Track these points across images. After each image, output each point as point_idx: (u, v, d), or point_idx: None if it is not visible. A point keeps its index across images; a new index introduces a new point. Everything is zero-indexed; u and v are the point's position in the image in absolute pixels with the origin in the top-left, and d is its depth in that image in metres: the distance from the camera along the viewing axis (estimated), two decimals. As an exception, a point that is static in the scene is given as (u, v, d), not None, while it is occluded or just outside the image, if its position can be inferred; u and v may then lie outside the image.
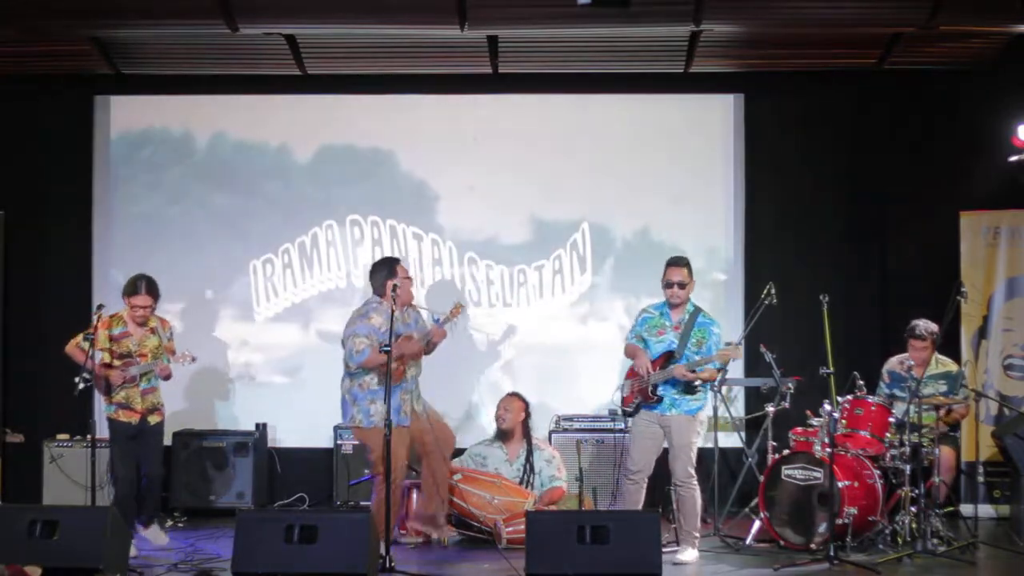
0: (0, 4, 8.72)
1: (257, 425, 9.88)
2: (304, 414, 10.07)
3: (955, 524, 8.57)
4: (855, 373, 8.55)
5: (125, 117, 10.33)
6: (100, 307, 8.24)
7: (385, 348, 7.56)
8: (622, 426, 8.99)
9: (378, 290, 8.07)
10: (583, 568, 6.64)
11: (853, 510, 7.96)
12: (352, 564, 6.63)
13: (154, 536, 8.31)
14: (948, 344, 8.98)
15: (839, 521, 7.86)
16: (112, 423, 8.24)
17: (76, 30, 9.32)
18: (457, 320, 8.16)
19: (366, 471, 9.31)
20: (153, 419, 8.28)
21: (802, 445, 8.38)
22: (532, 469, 8.88)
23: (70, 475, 9.46)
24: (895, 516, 8.20)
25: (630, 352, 8.12)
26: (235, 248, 10.26)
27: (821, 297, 8.60)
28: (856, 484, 8.07)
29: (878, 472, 8.22)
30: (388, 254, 9.90)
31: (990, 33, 9.26)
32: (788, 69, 10.02)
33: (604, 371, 9.61)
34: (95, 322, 8.04)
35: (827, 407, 8.00)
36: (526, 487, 8.78)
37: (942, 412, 8.30)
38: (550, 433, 9.54)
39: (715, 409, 9.05)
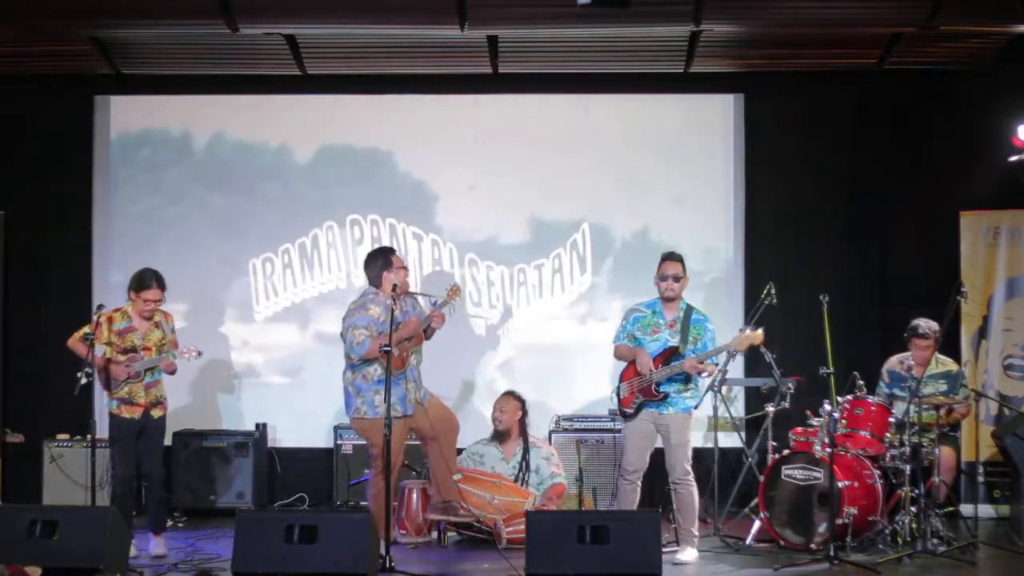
0: (0, 4, 8.73)
1: (257, 425, 9.88)
2: (304, 414, 10.08)
3: (955, 524, 8.56)
4: (855, 373, 8.55)
5: (125, 117, 10.33)
6: (100, 307, 8.23)
7: (385, 348, 7.54)
8: (622, 426, 8.97)
9: (374, 281, 8.03)
10: (583, 568, 6.64)
11: (853, 510, 7.96)
12: (352, 564, 6.63)
13: (158, 544, 8.24)
14: (948, 344, 8.98)
15: (839, 521, 7.86)
16: (113, 419, 8.18)
17: (76, 30, 9.32)
18: (455, 303, 8.11)
19: (366, 471, 9.31)
20: (156, 413, 8.25)
21: (802, 445, 8.38)
22: (528, 468, 8.88)
23: (70, 475, 9.46)
24: (895, 516, 8.20)
25: (625, 353, 8.07)
26: (235, 248, 10.26)
27: (821, 297, 8.60)
28: (856, 484, 8.07)
29: (878, 472, 8.23)
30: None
31: (990, 33, 9.26)
32: (788, 69, 10.02)
33: (603, 371, 9.61)
34: (95, 322, 8.03)
35: (827, 407, 8.00)
36: (522, 486, 8.78)
37: (942, 412, 8.30)
38: (550, 433, 9.54)
39: (715, 409, 9.05)
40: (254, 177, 10.31)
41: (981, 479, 9.05)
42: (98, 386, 8.23)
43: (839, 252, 10.12)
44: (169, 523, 8.80)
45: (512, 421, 8.97)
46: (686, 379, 7.91)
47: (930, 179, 10.00)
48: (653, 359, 7.90)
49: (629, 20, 8.51)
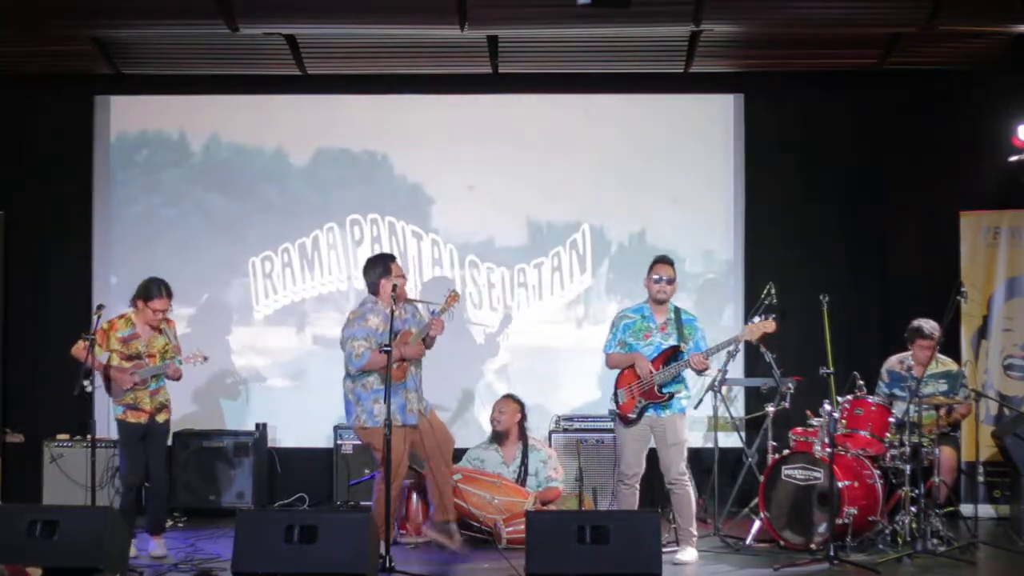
0: (0, 4, 8.73)
1: (257, 425, 9.88)
2: (304, 414, 10.07)
3: (955, 524, 8.57)
4: (855, 373, 8.55)
5: (125, 117, 10.33)
6: (100, 307, 8.23)
7: (385, 348, 7.55)
8: (615, 431, 8.94)
9: (372, 288, 8.02)
10: (583, 568, 6.64)
11: (853, 510, 7.96)
12: (352, 564, 6.63)
13: (157, 546, 8.24)
14: (948, 344, 8.97)
15: (839, 521, 7.85)
16: (121, 424, 8.20)
17: (76, 30, 9.32)
18: (454, 308, 8.08)
19: (366, 471, 9.33)
20: (161, 417, 8.26)
21: (802, 445, 8.38)
22: (527, 471, 8.87)
23: (70, 475, 9.46)
24: (895, 516, 8.20)
25: (619, 360, 8.03)
26: (235, 249, 10.26)
27: (821, 297, 8.60)
28: (856, 484, 8.07)
29: (878, 472, 8.23)
30: (387, 249, 9.94)
31: (990, 33, 9.26)
32: (788, 69, 10.02)
33: (603, 371, 9.59)
34: (95, 322, 8.04)
35: (827, 407, 8.00)
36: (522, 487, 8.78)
37: (942, 412, 8.30)
38: (550, 433, 9.54)
39: (715, 409, 9.05)
40: (254, 178, 10.31)
41: (981, 479, 9.04)
42: (97, 385, 8.23)
43: (839, 252, 10.12)
44: (169, 523, 8.80)
45: (511, 422, 8.97)
46: (680, 379, 7.92)
47: (930, 179, 10.00)
48: (652, 361, 7.90)
49: (629, 20, 8.52)
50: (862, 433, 8.33)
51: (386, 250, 10.04)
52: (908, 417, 8.16)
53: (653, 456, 8.06)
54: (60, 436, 9.64)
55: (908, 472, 8.07)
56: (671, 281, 8.03)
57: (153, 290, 8.14)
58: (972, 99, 9.82)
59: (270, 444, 10.03)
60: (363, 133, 10.26)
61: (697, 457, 9.69)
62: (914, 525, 8.01)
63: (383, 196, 10.26)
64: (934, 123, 10.02)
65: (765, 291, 8.60)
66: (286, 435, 10.16)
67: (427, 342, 8.02)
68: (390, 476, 7.56)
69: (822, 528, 7.95)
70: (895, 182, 10.08)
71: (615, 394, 8.05)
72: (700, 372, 7.99)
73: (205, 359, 8.32)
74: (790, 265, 9.90)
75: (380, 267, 7.99)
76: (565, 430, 9.58)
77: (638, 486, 7.98)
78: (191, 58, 9.84)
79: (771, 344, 8.86)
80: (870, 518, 8.09)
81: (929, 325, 8.67)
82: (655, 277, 8.03)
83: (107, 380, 8.19)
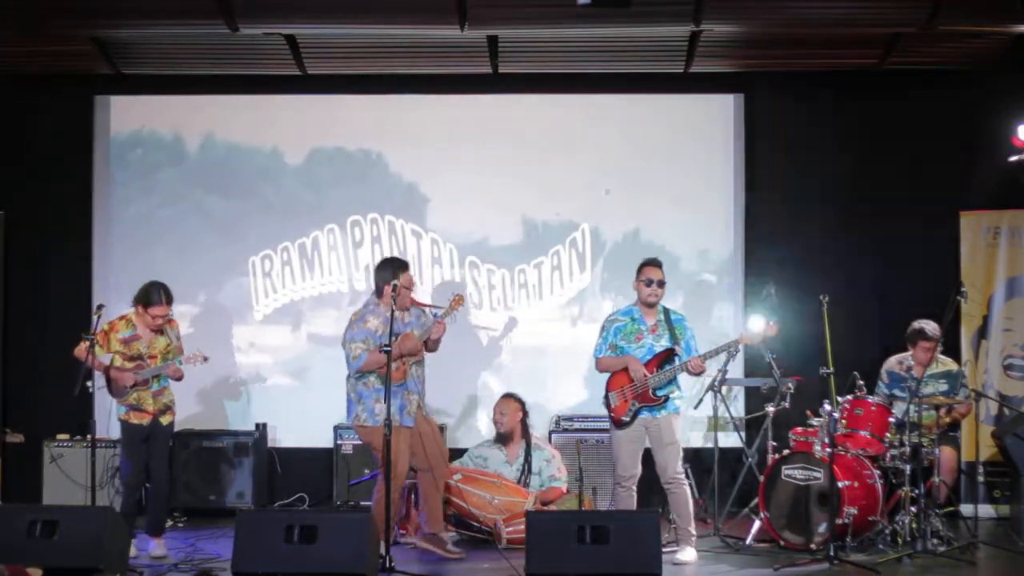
0: (0, 4, 8.72)
1: (257, 425, 9.88)
2: (304, 414, 10.07)
3: (955, 524, 8.57)
4: (855, 373, 8.55)
5: (125, 117, 10.32)
6: (100, 307, 8.22)
7: (385, 348, 7.55)
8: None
9: (378, 289, 8.03)
10: (583, 568, 6.64)
11: (853, 510, 7.96)
12: (352, 564, 6.63)
13: (157, 546, 8.24)
14: (948, 344, 8.98)
15: (839, 521, 7.85)
16: (123, 425, 8.20)
17: (76, 30, 9.32)
18: (457, 312, 8.06)
19: (367, 471, 9.33)
20: (165, 419, 8.26)
21: (802, 445, 8.38)
22: (530, 469, 8.88)
23: (70, 475, 9.46)
24: (895, 516, 8.20)
25: (611, 363, 8.01)
26: (236, 250, 10.25)
27: (821, 297, 8.60)
28: (856, 484, 8.07)
29: (878, 472, 8.23)
30: (388, 253, 9.93)
31: (990, 33, 9.26)
32: (788, 69, 10.02)
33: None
34: (95, 322, 8.04)
35: (827, 407, 8.00)
36: (524, 487, 8.78)
37: (942, 412, 8.30)
38: (550, 433, 9.55)
39: (715, 409, 9.05)
40: (254, 178, 10.31)
41: (981, 479, 9.04)
42: (99, 386, 8.23)
43: (839, 252, 10.11)
44: (169, 523, 8.80)
45: (513, 423, 8.97)
46: (674, 379, 7.92)
47: (930, 179, 10.00)
48: (645, 364, 7.89)
49: (629, 20, 8.52)
50: (862, 433, 8.33)
51: (386, 249, 10.08)
52: (908, 417, 8.16)
53: (650, 458, 8.05)
54: (60, 436, 9.64)
55: (908, 472, 8.07)
56: (662, 284, 8.03)
57: (153, 296, 8.13)
58: (972, 99, 9.82)
59: (270, 444, 10.03)
60: (363, 133, 10.25)
61: (697, 457, 9.71)
62: (914, 525, 8.01)
63: (383, 196, 10.25)
64: (934, 123, 10.01)
65: (765, 291, 8.60)
66: (286, 435, 10.16)
67: (430, 345, 8.02)
68: (390, 476, 7.56)
69: (822, 528, 7.95)
70: (895, 182, 10.07)
71: (606, 397, 8.04)
72: (698, 374, 7.98)
73: (205, 359, 8.32)
74: (790, 265, 9.90)
75: (388, 271, 7.98)
76: (565, 430, 9.59)
77: (635, 488, 7.97)
78: (191, 58, 9.84)
79: (771, 344, 8.87)
80: (870, 518, 8.09)
81: (931, 327, 8.66)
82: (646, 280, 8.01)
83: (109, 381, 8.19)
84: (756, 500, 8.50)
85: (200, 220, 10.27)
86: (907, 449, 8.12)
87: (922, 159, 10.03)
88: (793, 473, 8.19)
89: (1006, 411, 9.39)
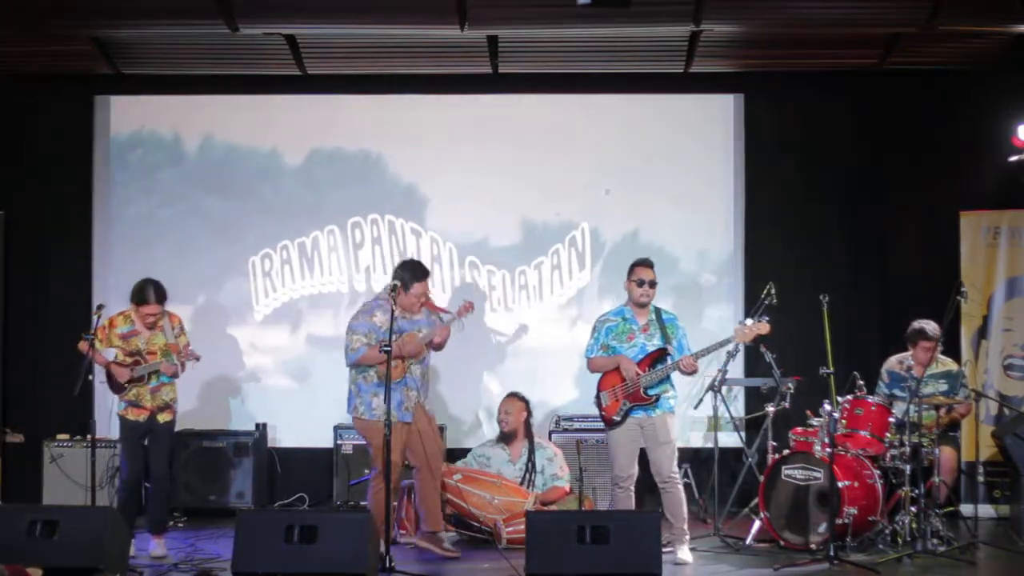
0: (0, 4, 8.72)
1: (257, 425, 9.88)
2: (304, 414, 10.07)
3: (955, 524, 8.57)
4: (855, 373, 8.55)
5: (125, 117, 10.32)
6: (100, 307, 8.25)
7: (385, 348, 7.55)
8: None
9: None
10: (583, 568, 6.64)
11: (853, 510, 7.96)
12: (352, 564, 6.63)
13: (157, 545, 8.23)
14: (948, 344, 8.97)
15: (839, 521, 7.85)
16: (121, 420, 8.23)
17: (76, 30, 9.32)
18: (465, 319, 8.03)
19: (366, 471, 9.31)
20: (163, 417, 8.25)
21: (802, 445, 8.38)
22: (534, 468, 8.87)
23: (70, 475, 9.46)
24: (895, 516, 8.20)
25: (603, 363, 8.00)
26: (236, 250, 10.25)
27: (821, 297, 8.61)
28: (856, 484, 8.06)
29: (878, 472, 8.23)
30: (388, 255, 9.95)
31: (990, 33, 9.26)
32: (788, 69, 10.02)
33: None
34: (95, 322, 8.04)
35: (827, 407, 8.00)
36: (528, 487, 8.78)
37: (942, 412, 8.30)
38: (550, 433, 9.55)
39: (715, 409, 9.05)
40: (254, 178, 10.30)
41: (981, 479, 9.04)
42: (99, 386, 8.24)
43: (839, 252, 10.12)
44: (169, 523, 8.79)
45: (518, 422, 8.97)
46: (667, 379, 7.92)
47: (930, 179, 10.00)
48: (638, 363, 7.89)
49: (629, 20, 8.52)
50: (862, 433, 8.33)
51: (386, 249, 10.09)
52: (908, 417, 8.16)
53: (645, 458, 8.03)
54: (60, 436, 9.64)
55: (908, 472, 8.06)
56: (653, 284, 8.01)
57: (145, 294, 8.14)
58: (972, 99, 9.82)
59: (270, 444, 10.03)
60: (363, 133, 10.25)
61: (697, 457, 9.72)
62: (914, 525, 8.00)
63: (383, 197, 10.25)
64: (934, 123, 10.02)
65: (765, 291, 8.59)
66: (286, 435, 10.16)
67: (435, 346, 8.01)
68: (390, 477, 7.57)
69: (822, 528, 7.95)
70: (895, 182, 10.08)
71: (598, 397, 8.04)
72: (690, 374, 7.97)
73: (197, 358, 8.31)
74: (790, 265, 9.90)
75: (405, 273, 7.95)
76: (565, 430, 9.58)
77: (633, 489, 7.97)
78: (191, 58, 9.84)
79: (771, 344, 8.88)
80: (870, 518, 8.09)
81: (931, 327, 8.66)
82: (638, 280, 8.00)
83: (110, 378, 8.20)
84: (756, 500, 8.49)
85: (201, 219, 10.27)
86: (907, 449, 8.11)
87: (922, 159, 10.03)
88: (793, 473, 8.19)
89: (1006, 411, 9.39)
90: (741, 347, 9.08)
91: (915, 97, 10.06)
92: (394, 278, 7.98)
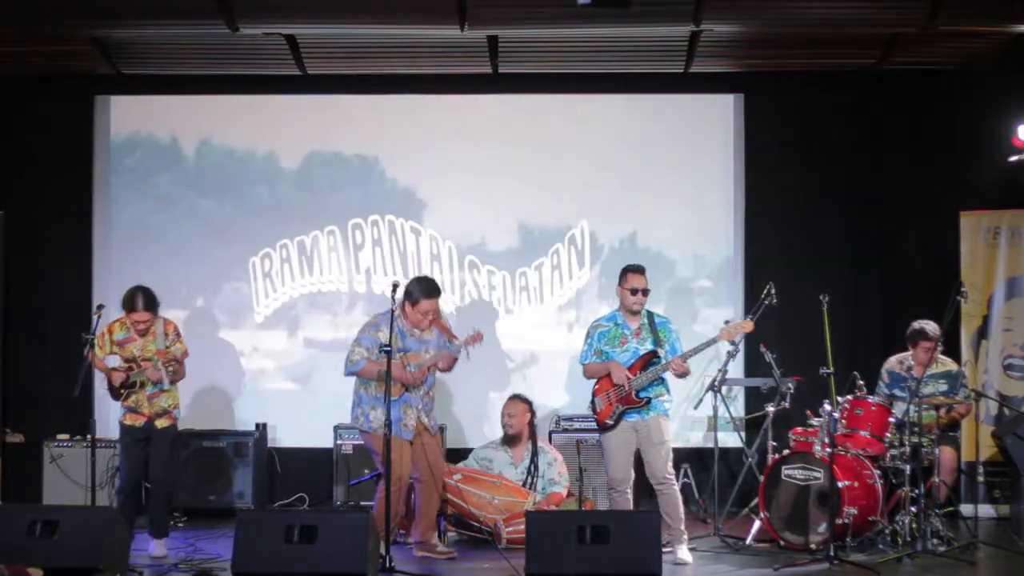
0: (0, 4, 8.72)
1: (257, 425, 9.88)
2: (304, 414, 10.07)
3: (955, 524, 8.57)
4: (855, 373, 8.54)
5: (125, 117, 10.32)
6: (100, 307, 8.26)
7: (385, 348, 7.54)
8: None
9: (401, 301, 8.00)
10: (583, 568, 6.64)
11: (853, 510, 7.96)
12: (352, 564, 6.63)
13: (157, 546, 8.23)
14: (948, 344, 8.97)
15: (839, 521, 7.85)
16: (120, 426, 8.23)
17: (76, 30, 9.32)
18: (472, 348, 7.94)
19: (366, 471, 9.32)
20: (161, 423, 8.22)
21: (802, 445, 8.37)
22: (536, 471, 8.87)
23: (70, 475, 9.46)
24: (895, 516, 8.19)
25: (596, 369, 8.01)
26: (236, 250, 10.25)
27: (821, 297, 8.61)
28: (856, 484, 8.06)
29: (878, 472, 8.22)
30: (389, 256, 9.96)
31: (990, 33, 9.26)
32: (788, 69, 10.02)
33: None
34: (95, 322, 8.04)
35: (827, 407, 7.99)
36: (529, 489, 8.77)
37: (942, 412, 8.30)
38: (550, 433, 9.53)
39: (715, 409, 9.05)
40: (254, 178, 10.30)
41: (981, 479, 9.05)
42: (99, 386, 8.24)
43: (839, 252, 10.12)
44: (170, 524, 8.78)
45: (522, 424, 8.96)
46: (660, 381, 7.92)
47: (930, 179, 10.00)
48: (629, 367, 7.89)
49: (629, 20, 8.52)
50: (862, 433, 8.32)
51: (386, 250, 10.09)
52: (908, 417, 8.16)
53: (641, 460, 8.02)
54: (60, 436, 9.64)
55: (908, 472, 8.06)
56: (646, 292, 8.02)
57: (134, 302, 8.09)
58: (972, 99, 9.82)
59: (270, 444, 10.03)
60: (363, 133, 10.25)
61: (697, 457, 9.71)
62: (914, 525, 8.00)
63: (382, 196, 10.25)
64: (934, 123, 10.02)
65: (765, 291, 8.60)
66: (286, 435, 10.16)
67: (439, 370, 8.01)
68: (390, 477, 7.57)
69: (822, 528, 7.95)
70: (895, 182, 10.08)
71: (592, 401, 8.05)
72: (681, 376, 7.97)
73: (179, 364, 8.27)
74: (790, 265, 9.90)
75: (417, 289, 7.93)
76: (565, 430, 9.57)
77: (630, 492, 7.96)
78: (191, 58, 9.84)
79: (771, 344, 8.89)
80: (870, 518, 8.09)
81: (931, 327, 8.66)
82: (631, 288, 7.99)
83: (109, 384, 8.20)
84: (756, 500, 8.49)
85: (201, 220, 10.27)
86: (907, 449, 8.11)
87: (922, 159, 10.03)
88: (793, 473, 8.19)
89: (1006, 411, 9.39)
90: (741, 347, 9.08)
91: (915, 97, 10.06)
92: (405, 290, 7.96)
